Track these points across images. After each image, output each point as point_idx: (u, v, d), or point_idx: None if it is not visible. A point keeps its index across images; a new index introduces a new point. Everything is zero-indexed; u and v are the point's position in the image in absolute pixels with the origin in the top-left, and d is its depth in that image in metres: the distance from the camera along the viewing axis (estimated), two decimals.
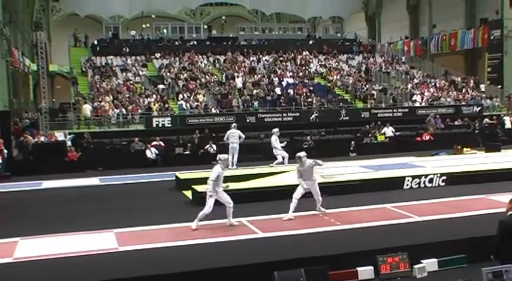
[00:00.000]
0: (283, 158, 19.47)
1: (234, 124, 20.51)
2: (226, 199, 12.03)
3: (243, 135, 19.65)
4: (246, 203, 14.08)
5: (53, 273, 9.23)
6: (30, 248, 10.66)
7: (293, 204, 12.60)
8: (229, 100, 33.72)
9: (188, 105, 32.77)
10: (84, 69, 38.00)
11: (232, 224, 12.13)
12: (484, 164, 18.94)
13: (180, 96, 33.58)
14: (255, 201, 14.42)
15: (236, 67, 39.68)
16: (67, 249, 10.44)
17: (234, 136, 19.42)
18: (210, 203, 11.83)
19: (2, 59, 31.00)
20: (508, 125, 31.55)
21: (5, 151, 22.75)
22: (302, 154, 13.00)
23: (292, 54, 43.57)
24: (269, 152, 21.06)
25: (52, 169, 22.11)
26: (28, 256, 10.13)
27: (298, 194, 12.75)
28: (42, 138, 26.25)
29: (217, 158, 12.32)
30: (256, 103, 33.69)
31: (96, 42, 42.37)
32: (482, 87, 40.43)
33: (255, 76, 38.62)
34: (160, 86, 35.11)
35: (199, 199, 14.84)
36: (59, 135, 26.86)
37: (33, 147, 24.76)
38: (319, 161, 12.99)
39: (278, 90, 36.15)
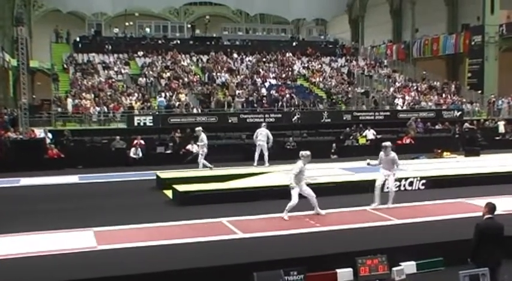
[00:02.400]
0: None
1: (264, 123, 21.80)
2: (309, 191, 12.76)
3: (271, 137, 20.71)
4: (226, 203, 14.12)
5: (29, 272, 9.12)
6: (7, 245, 10.52)
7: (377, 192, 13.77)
8: (218, 100, 33.64)
9: (168, 102, 32.67)
10: (65, 66, 37.64)
11: (319, 213, 12.88)
12: (463, 168, 19.16)
13: (162, 94, 33.44)
14: (235, 201, 14.41)
15: (219, 67, 39.60)
16: (44, 247, 10.34)
17: (262, 134, 20.45)
18: (294, 195, 12.50)
19: None
20: (501, 130, 31.89)
21: None
22: (388, 143, 14.14)
23: (276, 56, 43.61)
24: (250, 152, 21.23)
25: (30, 166, 21.79)
26: (4, 253, 9.99)
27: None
28: (20, 136, 25.94)
29: (300, 154, 12.78)
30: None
31: (78, 39, 41.97)
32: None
33: (238, 76, 38.60)
34: (141, 79, 35.01)
35: (180, 199, 14.86)
36: (39, 133, 26.55)
37: (11, 144, 24.43)
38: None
39: (261, 91, 36.16)
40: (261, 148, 20.46)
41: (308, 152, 12.79)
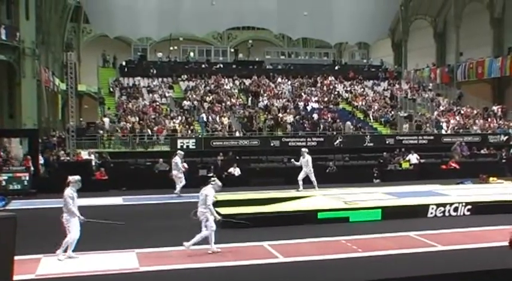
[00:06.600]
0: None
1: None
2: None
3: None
4: (268, 227, 14.10)
5: None
6: (53, 265, 10.78)
7: None
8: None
9: (209, 118, 33.32)
10: (111, 89, 38.57)
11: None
12: (510, 194, 18.64)
13: (204, 115, 33.91)
14: (277, 225, 14.38)
15: (261, 91, 39.84)
16: (88, 267, 10.56)
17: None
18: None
19: (33, 78, 31.67)
20: None
21: (32, 168, 23.08)
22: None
23: (318, 79, 43.63)
24: (293, 175, 21.19)
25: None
26: (50, 273, 10.25)
27: None
28: (67, 158, 26.65)
29: None
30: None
31: (124, 63, 42.95)
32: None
33: (280, 100, 38.74)
34: (185, 103, 35.61)
35: (221, 222, 14.90)
36: (84, 154, 27.21)
37: (59, 165, 25.08)
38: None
39: (302, 115, 36.19)
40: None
41: None
